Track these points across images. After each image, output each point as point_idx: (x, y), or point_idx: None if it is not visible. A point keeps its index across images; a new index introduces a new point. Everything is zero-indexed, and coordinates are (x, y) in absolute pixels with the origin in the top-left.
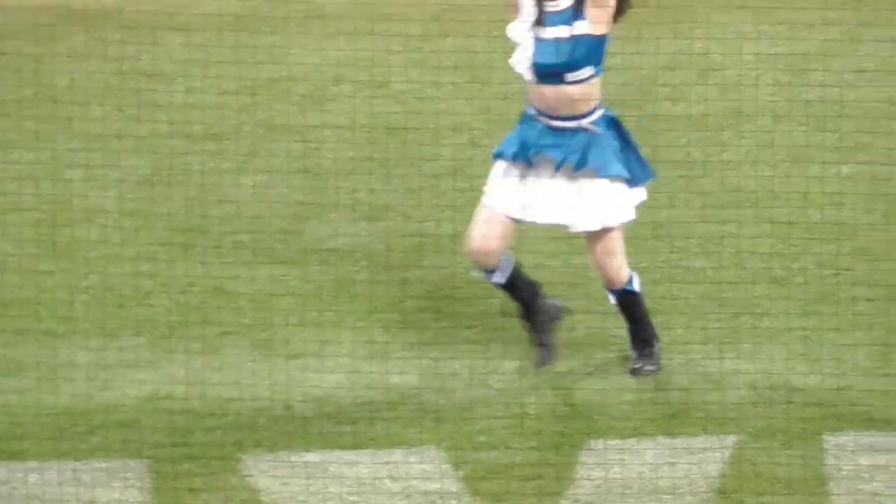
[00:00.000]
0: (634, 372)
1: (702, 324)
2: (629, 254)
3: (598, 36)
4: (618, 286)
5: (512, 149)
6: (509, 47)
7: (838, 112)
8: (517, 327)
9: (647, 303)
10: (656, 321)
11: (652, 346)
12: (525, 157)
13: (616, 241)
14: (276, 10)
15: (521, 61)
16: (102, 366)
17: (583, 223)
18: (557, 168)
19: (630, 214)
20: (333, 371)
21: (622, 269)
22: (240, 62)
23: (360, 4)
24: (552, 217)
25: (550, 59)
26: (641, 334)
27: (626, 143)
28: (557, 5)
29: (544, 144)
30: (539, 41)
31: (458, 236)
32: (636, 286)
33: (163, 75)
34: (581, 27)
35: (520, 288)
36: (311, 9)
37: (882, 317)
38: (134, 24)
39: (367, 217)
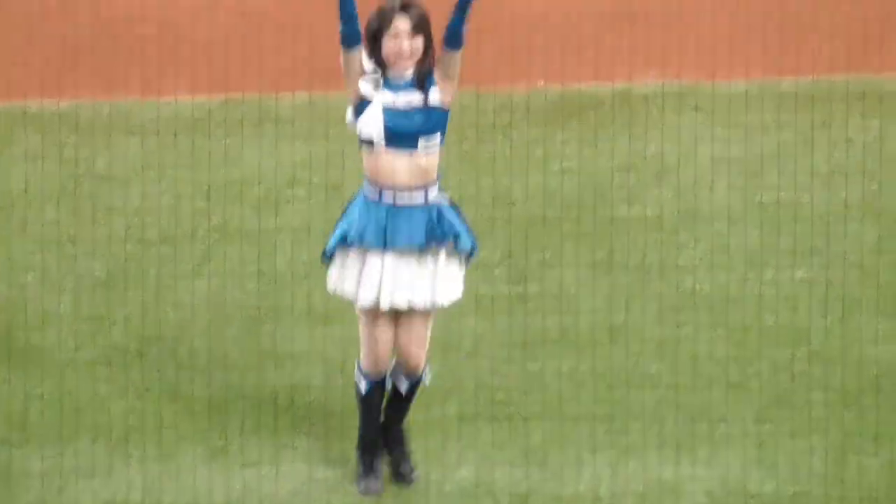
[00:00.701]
0: (411, 478)
1: (657, 429)
2: (575, 356)
3: (446, 107)
4: (422, 372)
5: (364, 236)
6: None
7: (793, 215)
8: (473, 433)
9: (604, 408)
10: (612, 427)
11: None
12: (383, 247)
13: (431, 324)
14: (231, 113)
15: (371, 126)
16: (58, 472)
17: (440, 298)
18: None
19: (460, 289)
20: (290, 478)
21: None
22: (194, 165)
23: (315, 107)
24: (419, 298)
25: (405, 124)
26: (403, 429)
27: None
28: (402, 77)
29: (403, 232)
30: (389, 108)
31: None
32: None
33: (118, 178)
34: (434, 96)
35: (379, 407)
36: (266, 111)
37: (838, 421)
38: (89, 127)
39: (323, 321)
